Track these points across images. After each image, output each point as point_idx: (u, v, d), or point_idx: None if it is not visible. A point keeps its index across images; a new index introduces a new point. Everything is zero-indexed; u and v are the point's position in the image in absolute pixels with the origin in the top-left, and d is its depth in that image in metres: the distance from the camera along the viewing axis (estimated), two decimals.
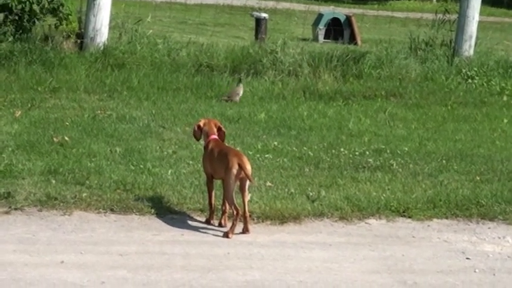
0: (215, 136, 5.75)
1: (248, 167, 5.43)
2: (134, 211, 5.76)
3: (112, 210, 5.75)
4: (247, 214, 5.52)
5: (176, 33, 12.78)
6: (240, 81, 9.38)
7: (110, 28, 10.31)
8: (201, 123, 5.81)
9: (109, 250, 5.13)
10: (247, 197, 5.56)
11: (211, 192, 5.67)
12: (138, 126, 7.80)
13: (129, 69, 9.83)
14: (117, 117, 8.06)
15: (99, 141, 7.15)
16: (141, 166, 6.49)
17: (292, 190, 6.23)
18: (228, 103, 9.07)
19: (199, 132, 5.81)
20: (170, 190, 6.05)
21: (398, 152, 7.48)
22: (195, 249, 5.23)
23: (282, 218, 5.79)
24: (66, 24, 10.27)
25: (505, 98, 10.28)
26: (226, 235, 5.47)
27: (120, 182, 6.10)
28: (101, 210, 5.74)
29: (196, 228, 5.59)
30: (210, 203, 5.68)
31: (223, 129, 5.85)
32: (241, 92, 9.21)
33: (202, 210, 5.81)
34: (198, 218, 5.75)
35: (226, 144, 5.88)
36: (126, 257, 5.03)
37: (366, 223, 5.89)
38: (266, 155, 7.09)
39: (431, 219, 6.01)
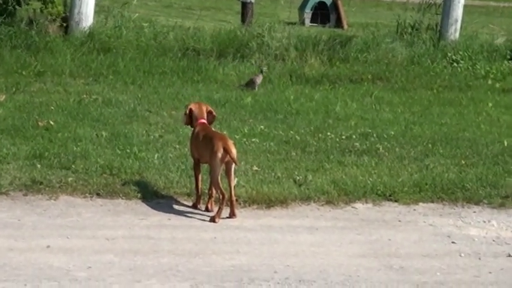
0: (203, 120, 5.74)
1: (233, 151, 5.43)
2: (121, 195, 5.74)
3: (98, 194, 5.73)
4: (234, 198, 5.52)
5: (162, 17, 12.74)
6: (261, 71, 9.31)
7: (95, 12, 10.24)
8: (192, 107, 5.79)
9: (95, 234, 5.12)
10: (234, 181, 5.56)
11: (198, 177, 5.66)
12: (124, 110, 7.77)
13: (115, 53, 9.78)
14: (103, 102, 8.03)
15: (84, 125, 7.12)
16: (128, 150, 6.47)
17: (279, 174, 6.24)
18: (247, 90, 9.02)
19: (189, 117, 5.79)
20: (157, 174, 6.04)
21: (385, 135, 7.50)
22: (181, 233, 5.23)
23: (268, 202, 5.80)
24: (52, 8, 10.18)
25: (489, 82, 10.31)
26: (212, 219, 5.47)
27: (107, 166, 6.07)
28: (87, 194, 5.72)
29: (183, 213, 5.59)
30: (197, 188, 5.67)
31: (213, 113, 5.84)
32: (259, 81, 9.16)
33: (189, 195, 5.80)
34: (185, 203, 5.74)
35: (213, 129, 5.88)
36: (112, 242, 5.02)
37: (352, 207, 5.91)
38: (253, 139, 7.09)
39: (417, 203, 6.03)
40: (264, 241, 5.20)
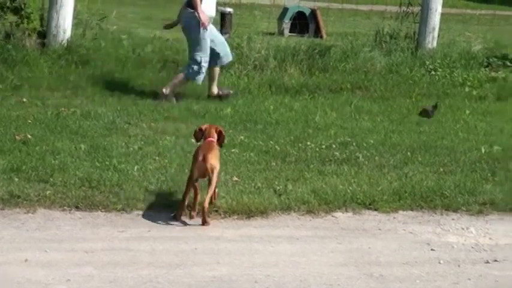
0: (211, 138, 5.83)
1: (212, 162, 5.47)
2: (100, 208, 5.72)
3: (77, 207, 5.70)
4: (206, 205, 5.53)
5: (141, 29, 12.69)
6: (436, 105, 8.72)
7: (73, 25, 10.20)
8: (203, 127, 5.93)
9: (74, 247, 5.09)
10: (212, 191, 5.58)
11: (188, 191, 5.64)
12: (103, 123, 7.74)
13: (94, 66, 9.74)
14: (81, 114, 7.99)
15: (63, 138, 7.08)
16: (107, 163, 6.45)
17: (259, 184, 6.23)
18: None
19: (200, 134, 5.89)
20: (136, 186, 6.02)
21: (364, 144, 7.52)
22: (161, 245, 5.21)
23: (249, 213, 5.79)
24: (28, 23, 10.13)
25: (467, 89, 10.38)
26: (175, 217, 5.56)
27: (85, 179, 6.05)
28: (65, 207, 5.69)
29: (162, 224, 5.57)
30: (183, 200, 5.66)
31: (223, 133, 5.93)
32: (433, 113, 8.63)
33: (169, 206, 5.79)
34: (165, 214, 5.72)
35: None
36: (91, 254, 4.99)
37: (332, 216, 5.91)
38: (232, 150, 7.08)
39: (397, 211, 6.04)
40: (245, 251, 5.19)
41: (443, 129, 8.38)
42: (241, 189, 6.10)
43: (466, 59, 11.18)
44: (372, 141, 7.63)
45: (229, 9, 14.05)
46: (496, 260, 5.23)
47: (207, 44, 8.98)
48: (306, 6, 16.85)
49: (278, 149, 7.23)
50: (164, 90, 9.00)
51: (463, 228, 5.80)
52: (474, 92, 10.26)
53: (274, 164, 6.80)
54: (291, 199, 6.01)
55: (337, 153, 7.16)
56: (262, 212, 5.82)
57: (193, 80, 9.07)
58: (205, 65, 9.00)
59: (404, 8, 11.81)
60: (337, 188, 6.26)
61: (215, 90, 9.22)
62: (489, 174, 6.79)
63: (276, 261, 5.07)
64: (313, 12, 16.36)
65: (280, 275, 4.86)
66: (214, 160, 5.57)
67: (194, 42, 9.01)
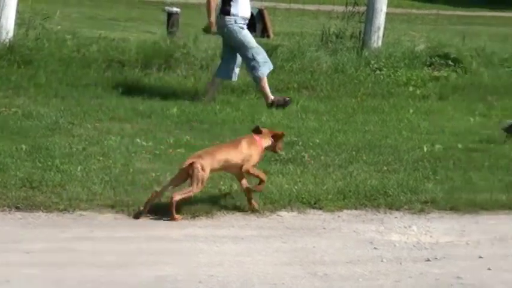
0: (256, 137, 6.00)
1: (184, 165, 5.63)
2: (41, 208, 5.64)
3: (17, 208, 5.62)
4: (173, 199, 5.65)
5: (86, 29, 12.55)
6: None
7: (16, 25, 10.04)
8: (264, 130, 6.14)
9: (14, 248, 5.00)
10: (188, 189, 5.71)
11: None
12: (46, 123, 7.63)
13: (37, 66, 9.60)
14: (23, 114, 7.86)
15: (3, 138, 6.96)
16: (49, 163, 6.36)
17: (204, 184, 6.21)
18: None
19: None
20: (79, 186, 5.96)
21: (310, 144, 7.55)
22: (105, 245, 5.16)
23: (194, 212, 5.77)
24: None
25: (410, 89, 10.51)
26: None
27: (26, 179, 5.96)
28: (5, 208, 5.60)
29: (106, 225, 5.51)
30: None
31: (278, 134, 6.15)
32: None
33: (112, 206, 5.74)
34: (109, 214, 5.67)
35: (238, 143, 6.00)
36: (32, 255, 4.92)
37: (277, 215, 5.92)
38: (178, 150, 7.05)
39: (342, 210, 6.08)
40: (189, 251, 5.17)
41: (387, 129, 8.46)
42: None
43: (410, 58, 11.31)
44: (317, 141, 7.66)
45: (176, 9, 14.00)
46: (436, 258, 5.29)
47: (247, 37, 9.06)
48: (253, 6, 16.86)
49: None
50: (269, 100, 9.11)
51: (405, 227, 5.86)
52: (418, 91, 10.40)
53: None
54: (236, 199, 6.00)
55: (282, 153, 7.16)
56: (207, 212, 5.80)
57: (263, 74, 9.16)
58: (258, 56, 9.03)
59: (350, 8, 11.90)
60: (283, 187, 6.27)
61: (212, 94, 9.24)
62: (431, 173, 6.88)
63: (220, 261, 5.05)
64: (260, 12, 16.38)
65: (224, 274, 4.85)
66: (200, 159, 5.64)
67: (237, 44, 9.11)
